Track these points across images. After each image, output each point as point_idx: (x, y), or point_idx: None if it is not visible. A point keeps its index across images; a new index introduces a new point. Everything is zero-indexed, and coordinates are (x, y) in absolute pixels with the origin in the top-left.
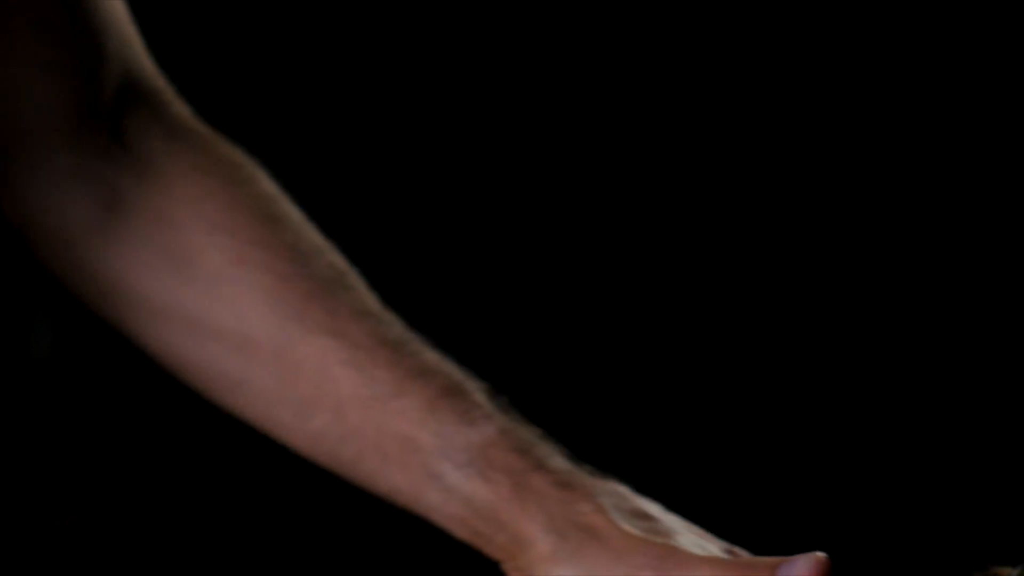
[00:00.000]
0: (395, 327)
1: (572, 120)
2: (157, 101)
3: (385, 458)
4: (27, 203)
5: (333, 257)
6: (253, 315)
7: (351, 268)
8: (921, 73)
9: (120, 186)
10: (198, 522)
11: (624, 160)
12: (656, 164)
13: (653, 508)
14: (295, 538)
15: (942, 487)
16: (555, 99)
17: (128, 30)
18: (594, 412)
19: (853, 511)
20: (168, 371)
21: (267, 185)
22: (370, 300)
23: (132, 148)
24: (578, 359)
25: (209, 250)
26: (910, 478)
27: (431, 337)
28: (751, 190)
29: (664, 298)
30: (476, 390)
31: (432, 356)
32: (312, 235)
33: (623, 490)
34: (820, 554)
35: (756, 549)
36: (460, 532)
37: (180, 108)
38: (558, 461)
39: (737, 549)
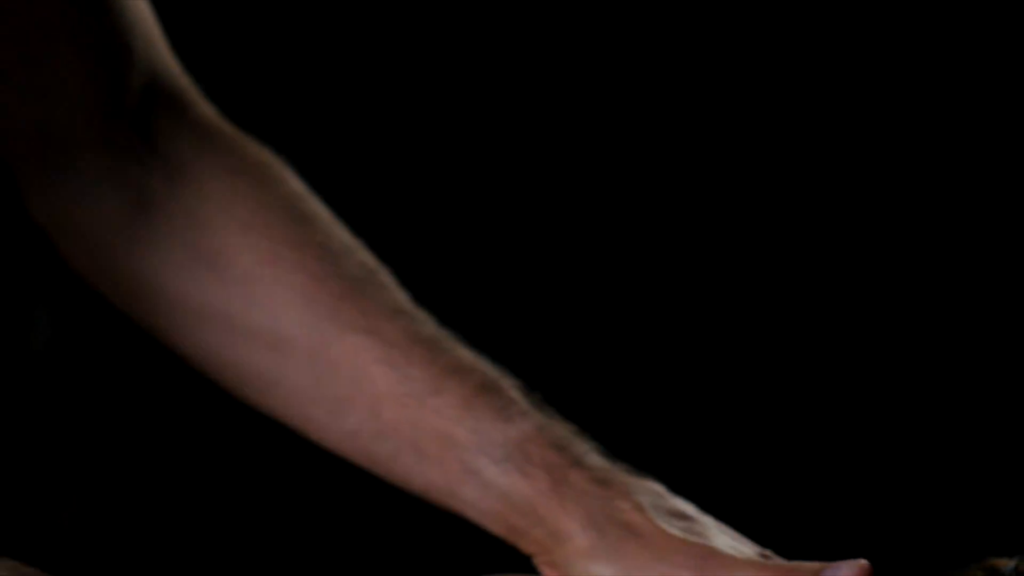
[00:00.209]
0: (428, 325)
1: (584, 120)
2: (183, 101)
3: (421, 454)
4: (56, 205)
5: (363, 255)
6: (287, 315)
7: (381, 266)
8: (921, 73)
9: (150, 187)
10: (198, 515)
11: (641, 158)
12: (671, 161)
13: (688, 508)
14: (295, 531)
15: (939, 480)
16: (571, 99)
17: (153, 31)
18: (620, 410)
19: (851, 505)
20: (199, 371)
21: (295, 184)
22: (401, 298)
23: (160, 149)
24: (603, 358)
25: (242, 250)
26: (907, 471)
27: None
28: (759, 189)
29: (690, 294)
30: (511, 387)
31: (466, 353)
32: (342, 234)
33: (659, 488)
34: (863, 561)
35: (761, 543)
36: (495, 527)
37: (206, 108)
38: (595, 458)
39: (769, 552)
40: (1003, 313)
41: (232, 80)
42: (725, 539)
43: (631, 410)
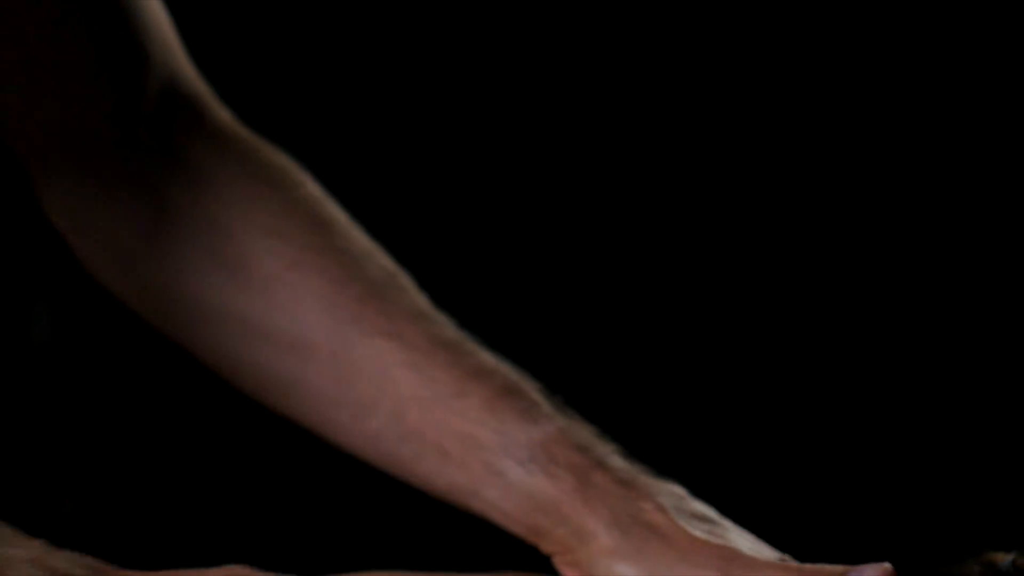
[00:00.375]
0: (449, 328)
1: (586, 120)
2: (201, 106)
3: (445, 456)
4: (75, 209)
5: (383, 259)
6: (309, 319)
7: (400, 269)
8: (921, 73)
9: (169, 193)
10: (197, 508)
11: (644, 160)
12: (672, 163)
13: (709, 511)
14: (295, 523)
15: (937, 475)
16: (573, 99)
17: (170, 36)
18: (636, 413)
19: (850, 501)
20: (217, 374)
21: (313, 189)
22: (422, 301)
23: (179, 154)
24: (620, 361)
25: (263, 255)
26: (905, 467)
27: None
28: (758, 190)
29: (708, 295)
30: (533, 390)
31: (487, 356)
32: (361, 238)
33: (680, 491)
34: (886, 564)
35: (763, 538)
36: (516, 527)
37: (223, 113)
38: (617, 460)
39: (787, 557)
40: (1001, 311)
41: (240, 83)
42: (746, 542)
43: (647, 413)
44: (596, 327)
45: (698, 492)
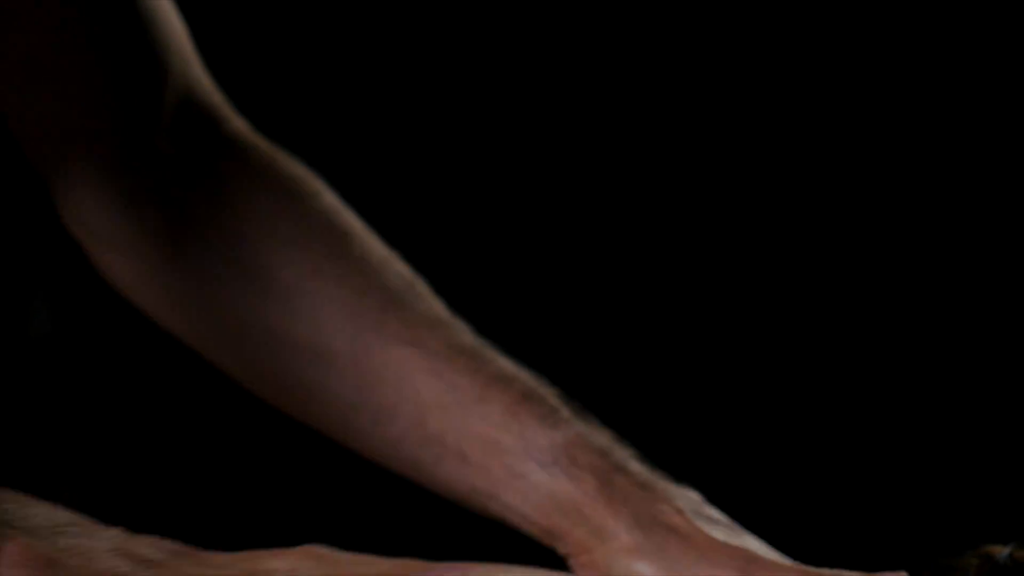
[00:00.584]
0: (468, 334)
1: (579, 120)
2: (218, 117)
3: (465, 460)
4: (96, 221)
5: (400, 267)
6: (331, 328)
7: (417, 276)
8: (921, 73)
9: (189, 203)
10: (197, 500)
11: (640, 161)
12: (666, 164)
13: (723, 517)
14: (295, 515)
15: (934, 468)
16: (566, 99)
17: (187, 47)
18: (645, 419)
19: (849, 495)
20: (238, 382)
21: (331, 198)
22: (440, 307)
23: (198, 165)
24: (631, 368)
25: (284, 265)
26: (903, 461)
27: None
28: (755, 190)
29: (717, 302)
30: (552, 395)
31: (506, 362)
32: (378, 246)
33: (696, 496)
34: (903, 573)
35: (763, 531)
36: (533, 530)
37: (239, 122)
38: (636, 464)
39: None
40: (997, 306)
41: (250, 89)
42: (761, 547)
43: (661, 419)
44: (609, 333)
45: (710, 496)
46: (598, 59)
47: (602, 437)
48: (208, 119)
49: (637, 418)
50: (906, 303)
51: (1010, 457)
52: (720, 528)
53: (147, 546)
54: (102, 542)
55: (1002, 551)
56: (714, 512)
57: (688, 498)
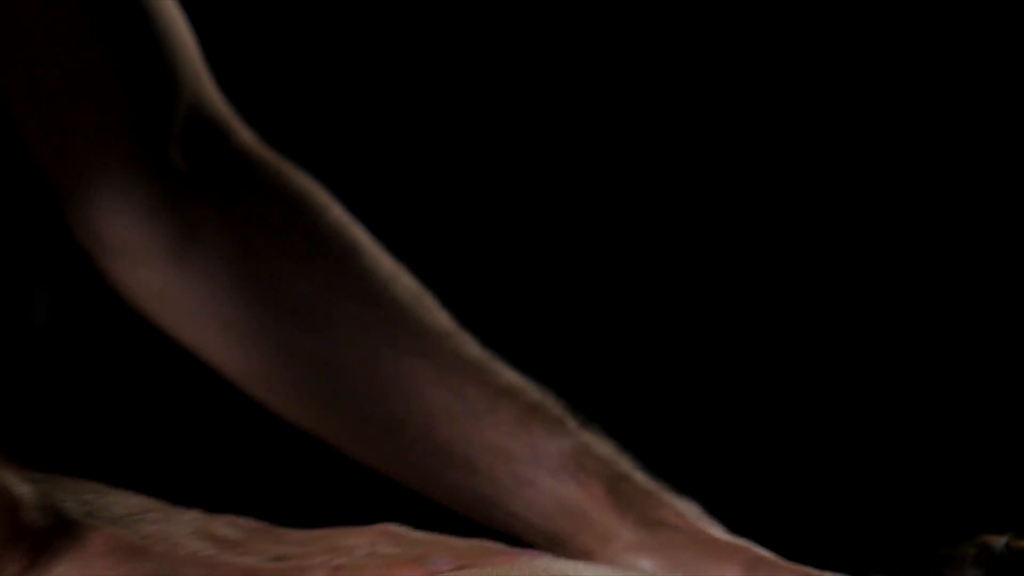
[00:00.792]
0: (474, 346)
1: (577, 121)
2: (227, 130)
3: (472, 469)
4: (107, 232)
5: (408, 280)
6: (342, 340)
7: (424, 289)
8: (921, 73)
9: (200, 215)
10: (196, 494)
11: (633, 162)
12: (662, 165)
13: (724, 529)
14: (295, 508)
15: (932, 459)
16: (562, 100)
17: (198, 60)
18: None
19: (846, 486)
20: (247, 392)
21: (338, 212)
22: (447, 320)
23: (209, 177)
24: (632, 380)
25: (296, 279)
26: (901, 451)
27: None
28: (753, 190)
29: (712, 321)
30: (557, 406)
31: (512, 374)
32: (386, 260)
33: (696, 508)
34: None
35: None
36: (536, 536)
37: (247, 134)
38: (640, 473)
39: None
40: (993, 301)
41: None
42: (763, 551)
43: (659, 431)
44: (609, 348)
45: (712, 493)
46: (597, 65)
47: (607, 447)
48: (218, 132)
49: (637, 430)
50: (902, 297)
51: (1006, 449)
52: (722, 531)
53: (225, 526)
54: (182, 526)
55: (999, 541)
56: (716, 524)
57: (690, 507)
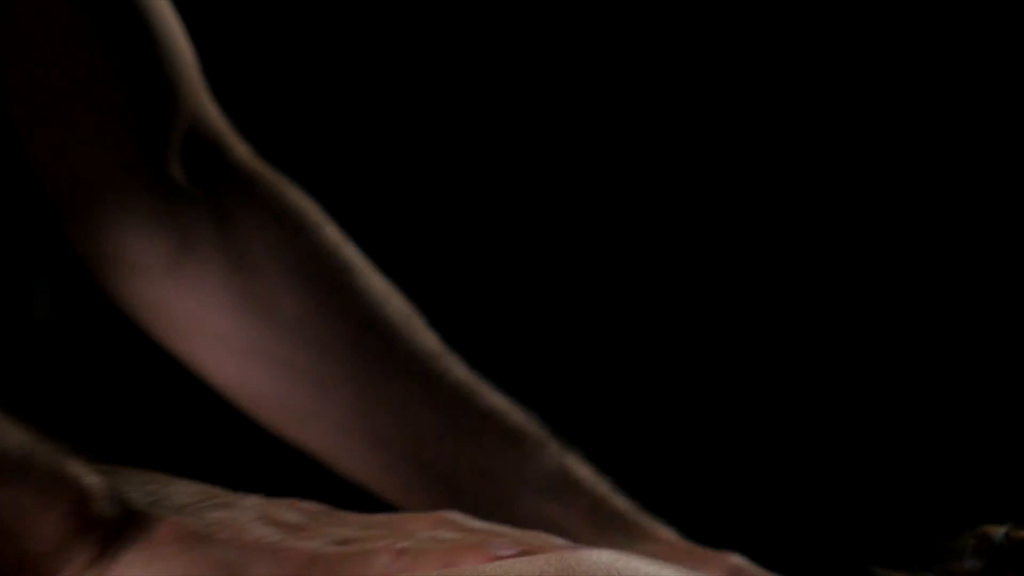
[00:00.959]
0: (461, 367)
1: (575, 122)
2: (224, 145)
3: (457, 488)
4: (105, 245)
5: (398, 301)
6: (334, 358)
7: (414, 310)
8: (921, 73)
9: (197, 230)
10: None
11: (632, 162)
12: (661, 165)
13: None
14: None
15: (931, 450)
16: (563, 101)
17: (196, 76)
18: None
19: (845, 478)
20: (237, 403)
21: (332, 230)
22: (435, 341)
23: (205, 193)
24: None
25: (289, 296)
26: (900, 443)
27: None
28: (752, 190)
29: (702, 315)
30: (540, 429)
31: (497, 396)
32: (378, 280)
33: (673, 531)
34: None
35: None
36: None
37: (245, 151)
38: (619, 496)
39: None
40: (991, 295)
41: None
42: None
43: (636, 453)
44: (591, 373)
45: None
46: (595, 70)
47: (588, 470)
48: (216, 146)
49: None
50: (901, 295)
51: (1005, 441)
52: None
53: (287, 510)
54: (245, 512)
55: (998, 531)
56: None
57: (667, 528)
